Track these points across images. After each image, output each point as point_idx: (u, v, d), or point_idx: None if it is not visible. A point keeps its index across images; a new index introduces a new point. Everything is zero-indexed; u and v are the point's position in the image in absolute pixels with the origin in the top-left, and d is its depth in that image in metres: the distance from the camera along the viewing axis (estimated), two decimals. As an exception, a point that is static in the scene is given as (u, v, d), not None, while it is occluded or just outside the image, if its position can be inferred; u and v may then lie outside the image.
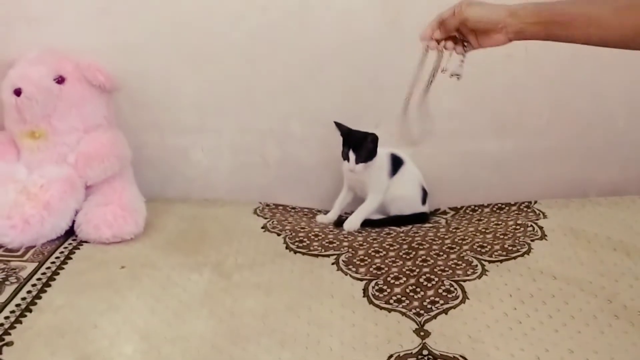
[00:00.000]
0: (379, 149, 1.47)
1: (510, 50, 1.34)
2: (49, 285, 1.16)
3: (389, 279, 1.22)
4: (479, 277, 1.23)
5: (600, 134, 1.64)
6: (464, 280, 1.21)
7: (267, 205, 1.63)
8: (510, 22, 0.84)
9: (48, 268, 1.22)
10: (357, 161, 1.44)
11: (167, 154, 1.65)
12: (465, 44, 0.92)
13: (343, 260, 1.30)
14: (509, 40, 0.87)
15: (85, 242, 1.35)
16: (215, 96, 1.61)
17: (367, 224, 1.53)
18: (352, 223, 1.48)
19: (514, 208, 1.60)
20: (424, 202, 1.58)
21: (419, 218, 1.56)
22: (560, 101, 1.60)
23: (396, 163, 1.55)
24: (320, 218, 1.57)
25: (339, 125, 1.50)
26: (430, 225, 1.54)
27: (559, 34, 0.82)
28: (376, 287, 1.19)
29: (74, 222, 1.37)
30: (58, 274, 1.21)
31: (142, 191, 1.50)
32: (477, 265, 1.27)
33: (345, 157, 1.46)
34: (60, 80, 1.42)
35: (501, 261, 1.29)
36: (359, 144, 1.45)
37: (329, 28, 1.54)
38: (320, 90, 1.60)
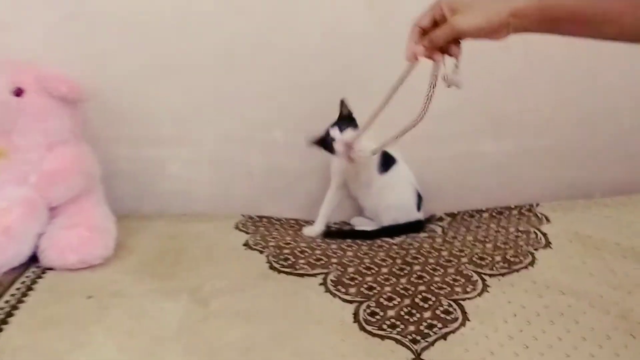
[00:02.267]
0: (368, 143, 1.33)
1: (507, 43, 1.27)
2: (7, 323, 1.05)
3: (381, 300, 1.12)
4: (480, 294, 1.13)
5: (605, 131, 1.58)
6: (464, 299, 1.11)
7: (251, 218, 1.53)
8: (513, 23, 0.75)
9: (7, 302, 1.11)
10: (342, 130, 1.38)
11: (142, 167, 1.55)
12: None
13: (331, 280, 1.20)
14: (507, 36, 0.78)
15: (50, 269, 1.24)
16: (193, 104, 1.52)
17: (359, 235, 1.44)
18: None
19: (514, 212, 1.53)
20: (418, 208, 1.49)
21: (414, 227, 1.47)
22: (561, 97, 1.54)
23: (388, 160, 1.46)
24: (307, 231, 1.47)
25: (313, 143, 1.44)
26: (426, 234, 1.45)
27: (568, 31, 0.74)
28: (368, 311, 1.09)
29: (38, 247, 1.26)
30: (17, 308, 1.09)
31: (115, 207, 1.39)
32: (477, 281, 1.18)
33: (332, 139, 1.39)
34: (18, 92, 1.31)
35: (503, 275, 1.20)
36: (336, 122, 1.41)
37: (312, 29, 1.46)
38: (304, 95, 1.51)
